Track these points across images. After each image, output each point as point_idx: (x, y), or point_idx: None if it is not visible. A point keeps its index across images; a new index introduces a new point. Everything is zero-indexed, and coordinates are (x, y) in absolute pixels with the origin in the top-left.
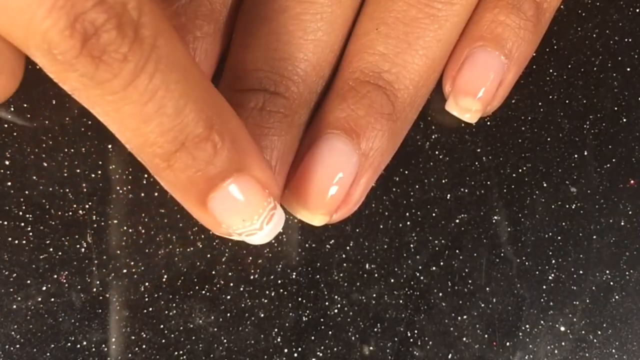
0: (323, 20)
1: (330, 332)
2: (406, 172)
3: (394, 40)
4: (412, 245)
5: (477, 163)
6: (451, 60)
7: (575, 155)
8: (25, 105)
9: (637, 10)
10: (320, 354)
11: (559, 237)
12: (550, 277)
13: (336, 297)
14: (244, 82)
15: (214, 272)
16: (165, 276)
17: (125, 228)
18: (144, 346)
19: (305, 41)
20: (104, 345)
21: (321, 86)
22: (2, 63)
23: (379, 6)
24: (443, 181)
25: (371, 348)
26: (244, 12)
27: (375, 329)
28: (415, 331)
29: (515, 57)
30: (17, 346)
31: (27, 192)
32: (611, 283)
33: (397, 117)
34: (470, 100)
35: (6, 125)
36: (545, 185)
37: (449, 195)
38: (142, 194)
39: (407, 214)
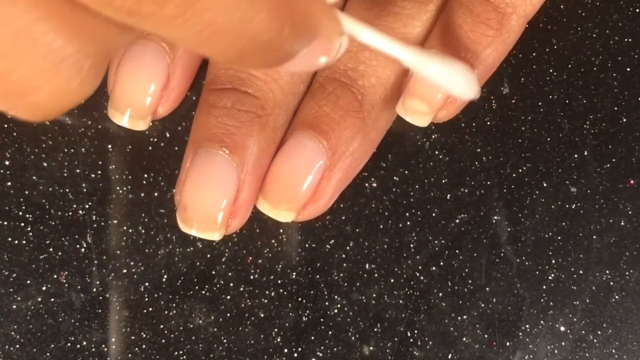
0: None
1: (330, 332)
2: (406, 172)
3: None
4: (412, 245)
5: (477, 163)
6: None
7: (575, 155)
8: None
9: (637, 10)
10: (320, 354)
11: (559, 237)
12: (550, 277)
13: (336, 297)
14: (217, 81)
15: (213, 272)
16: (165, 276)
17: (125, 228)
18: (143, 346)
19: None
20: (103, 346)
21: (301, 87)
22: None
23: (349, 5)
24: (443, 181)
25: (371, 348)
26: None
27: (375, 329)
28: (415, 331)
29: (470, 61)
30: (17, 346)
31: (27, 192)
32: (611, 283)
33: (365, 115)
34: (416, 102)
35: (6, 125)
36: (545, 185)
37: (448, 195)
38: (142, 194)
39: (407, 214)
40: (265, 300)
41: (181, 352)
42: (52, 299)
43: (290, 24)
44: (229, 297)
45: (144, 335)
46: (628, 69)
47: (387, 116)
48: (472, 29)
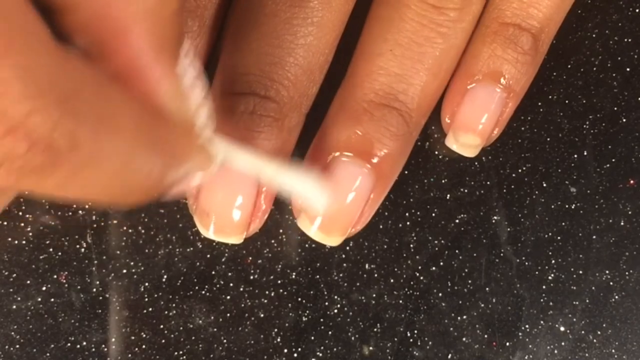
0: (313, 25)
1: (330, 333)
2: (406, 172)
3: (409, 61)
4: (411, 246)
5: (476, 163)
6: (450, 93)
7: (575, 155)
8: None
9: (637, 11)
10: (320, 354)
11: (559, 237)
12: (550, 277)
13: (336, 297)
14: (235, 86)
15: (213, 272)
16: (165, 276)
17: (124, 228)
18: (143, 346)
19: (296, 45)
20: (103, 346)
21: (313, 89)
22: None
23: (391, 26)
24: (443, 181)
25: (371, 348)
26: (235, 15)
27: (375, 329)
28: (415, 331)
29: (514, 90)
30: (17, 346)
31: (26, 192)
32: (611, 283)
33: (410, 135)
34: (470, 137)
35: None
36: (544, 185)
37: (448, 196)
38: None
39: (407, 214)
40: (265, 301)
41: (181, 352)
42: (52, 299)
43: (171, 169)
44: (228, 297)
45: (144, 336)
46: (628, 69)
47: (423, 125)
48: (517, 60)
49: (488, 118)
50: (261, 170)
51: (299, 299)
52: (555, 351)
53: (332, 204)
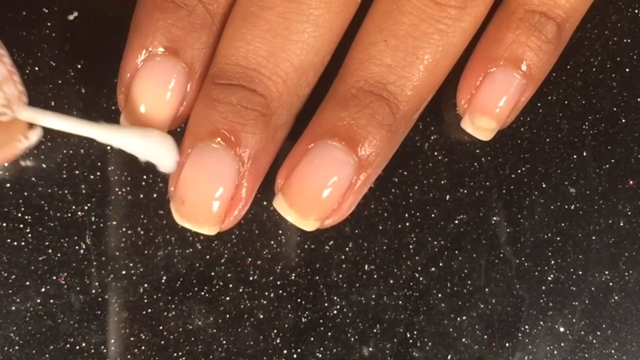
0: (309, 22)
1: (329, 333)
2: (405, 173)
3: (402, 53)
4: (411, 246)
5: (476, 164)
6: (468, 76)
7: (575, 156)
8: None
9: (636, 11)
10: (320, 355)
11: (558, 238)
12: (549, 278)
13: (335, 298)
14: (224, 76)
15: (213, 273)
16: (164, 277)
17: (124, 229)
18: (143, 347)
19: (290, 41)
20: (103, 347)
21: (305, 90)
22: None
23: (389, 18)
24: (442, 182)
25: (370, 349)
26: (235, 5)
27: (375, 330)
28: (415, 332)
29: (534, 78)
30: (16, 347)
31: (25, 194)
32: (610, 284)
33: (397, 128)
34: (487, 120)
35: None
36: (544, 186)
37: (448, 196)
38: (141, 195)
39: (406, 214)
40: (265, 302)
41: (180, 353)
42: (52, 301)
43: None
44: (228, 298)
45: (143, 337)
46: (627, 70)
47: (412, 124)
48: (540, 48)
49: (506, 103)
50: (82, 131)
51: (299, 300)
52: (555, 352)
53: (306, 184)
